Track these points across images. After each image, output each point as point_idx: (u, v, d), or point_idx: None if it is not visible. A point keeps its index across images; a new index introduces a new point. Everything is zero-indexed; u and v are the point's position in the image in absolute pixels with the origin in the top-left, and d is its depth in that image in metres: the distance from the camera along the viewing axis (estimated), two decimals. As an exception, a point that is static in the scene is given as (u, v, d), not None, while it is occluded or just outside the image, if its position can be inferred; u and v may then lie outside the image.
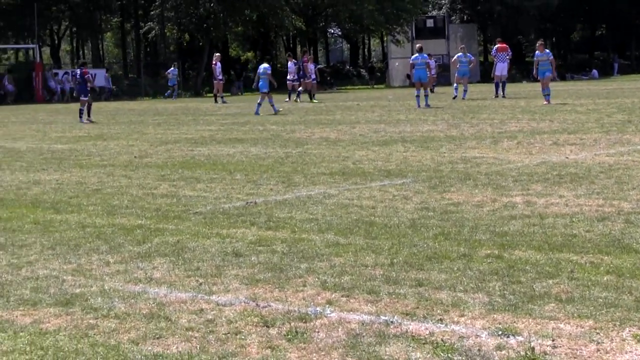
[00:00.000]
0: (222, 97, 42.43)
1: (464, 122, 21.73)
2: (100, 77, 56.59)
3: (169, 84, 51.75)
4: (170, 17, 61.33)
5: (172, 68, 51.50)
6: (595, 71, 73.94)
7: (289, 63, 42.11)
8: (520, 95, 36.65)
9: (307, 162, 14.10)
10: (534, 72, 32.18)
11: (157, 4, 61.52)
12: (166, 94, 51.49)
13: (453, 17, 75.50)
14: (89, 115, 29.23)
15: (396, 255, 7.22)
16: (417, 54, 32.46)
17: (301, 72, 40.45)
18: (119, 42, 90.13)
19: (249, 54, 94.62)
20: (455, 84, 36.92)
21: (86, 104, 29.35)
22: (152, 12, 62.66)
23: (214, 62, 43.60)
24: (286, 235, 8.22)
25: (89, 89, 29.90)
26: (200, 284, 6.63)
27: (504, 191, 10.22)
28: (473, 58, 29.61)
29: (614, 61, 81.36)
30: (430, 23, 70.94)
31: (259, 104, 29.72)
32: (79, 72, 30.59)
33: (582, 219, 8.36)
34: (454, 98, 34.93)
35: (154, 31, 63.00)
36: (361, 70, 79.05)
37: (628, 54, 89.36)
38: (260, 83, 30.54)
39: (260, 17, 62.04)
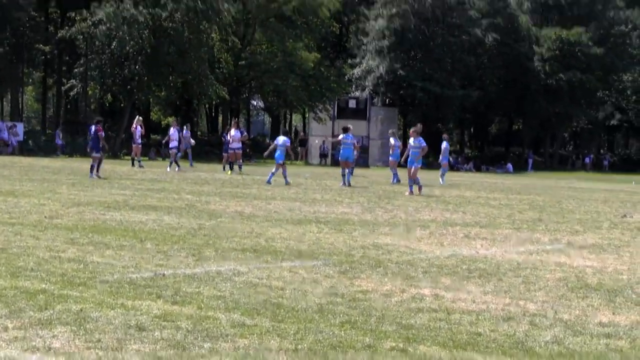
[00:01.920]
0: (139, 161, 42.16)
1: (378, 207, 21.89)
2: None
3: (184, 147, 43.98)
4: (94, 76, 61.04)
5: (185, 130, 44.60)
6: (510, 165, 75.51)
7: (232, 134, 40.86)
8: (436, 184, 37.04)
9: (219, 236, 14.01)
10: (402, 159, 31.29)
11: (81, 62, 61.26)
12: (190, 164, 45.10)
13: (375, 100, 76.56)
14: (97, 171, 30.16)
15: (301, 341, 7.18)
16: (345, 134, 32.68)
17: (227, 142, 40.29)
18: (39, 96, 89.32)
19: (170, 119, 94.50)
20: (392, 169, 36.96)
21: (97, 160, 30.45)
22: (76, 70, 62.32)
23: (134, 126, 43.42)
24: (192, 311, 8.12)
25: (101, 146, 31.04)
26: (100, 357, 6.50)
27: (413, 282, 10.27)
28: (424, 145, 28.49)
29: (529, 157, 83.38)
30: (352, 104, 71.89)
31: (273, 174, 30.78)
32: (93, 128, 31.48)
33: (488, 317, 8.42)
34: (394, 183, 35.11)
35: (76, 89, 62.55)
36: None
37: (542, 151, 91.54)
38: (277, 154, 31.44)
39: (185, 84, 62.16)
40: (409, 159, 28.86)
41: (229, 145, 40.14)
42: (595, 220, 20.92)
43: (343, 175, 31.97)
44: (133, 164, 41.78)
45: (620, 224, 20.08)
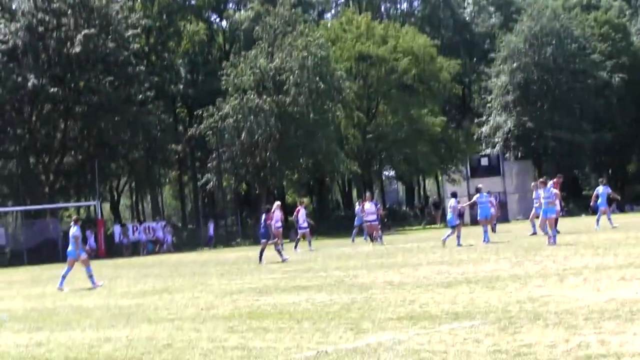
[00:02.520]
0: (281, 245, 42.35)
1: (527, 260, 21.62)
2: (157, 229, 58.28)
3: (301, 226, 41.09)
4: (227, 167, 62.39)
5: (303, 210, 41.72)
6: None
7: (364, 205, 41.24)
8: (581, 230, 36.32)
9: (373, 308, 14.08)
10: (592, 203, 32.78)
11: (213, 156, 62.74)
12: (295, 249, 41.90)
13: (507, 155, 75.95)
14: (260, 259, 31.19)
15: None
16: (478, 194, 33.58)
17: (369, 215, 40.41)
18: (177, 194, 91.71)
19: (305, 200, 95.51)
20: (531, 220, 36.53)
21: (266, 245, 31.58)
22: (209, 164, 63.85)
23: (272, 210, 43.57)
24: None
25: (269, 233, 32.09)
26: None
27: (575, 330, 10.12)
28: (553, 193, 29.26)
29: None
30: (484, 161, 71.55)
31: (448, 236, 32.19)
32: (263, 217, 32.50)
33: (659, 356, 8.24)
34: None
35: (211, 182, 64.02)
36: (417, 210, 79.57)
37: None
38: (448, 217, 33.47)
39: (316, 163, 62.91)
40: (542, 210, 29.25)
41: (366, 218, 40.34)
42: None
43: (485, 232, 32.28)
44: (276, 249, 41.75)
45: None
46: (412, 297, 15.29)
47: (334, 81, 60.59)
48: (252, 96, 58.98)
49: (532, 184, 39.48)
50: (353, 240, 42.56)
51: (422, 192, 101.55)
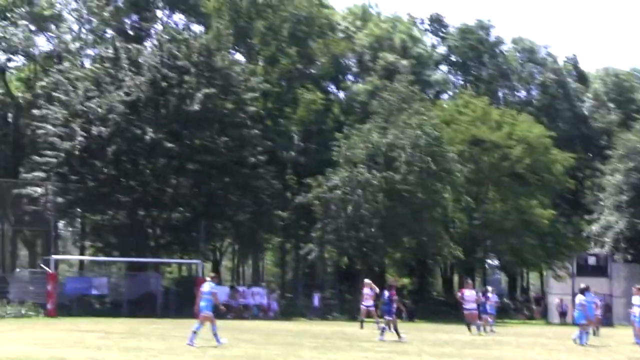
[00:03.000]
0: (362, 322, 41.35)
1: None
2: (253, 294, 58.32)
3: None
4: (331, 239, 62.26)
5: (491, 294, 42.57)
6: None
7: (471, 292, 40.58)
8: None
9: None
10: None
11: (318, 226, 62.70)
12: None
13: (616, 256, 74.19)
14: (397, 333, 31.52)
15: None
16: (585, 293, 32.07)
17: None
18: (278, 261, 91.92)
19: (406, 280, 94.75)
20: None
21: (390, 323, 32.11)
22: (313, 234, 63.78)
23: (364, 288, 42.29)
24: None
25: (394, 309, 32.64)
26: None
27: None
28: None
29: None
30: (592, 260, 70.11)
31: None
32: (387, 293, 33.08)
33: None
34: None
35: (313, 253, 63.87)
36: (518, 303, 78.12)
37: None
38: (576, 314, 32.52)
39: (419, 244, 62.34)
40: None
41: (464, 306, 39.49)
42: None
43: (584, 332, 31.24)
44: (362, 326, 41.05)
45: None
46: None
47: (445, 162, 60.31)
48: (362, 170, 59.02)
49: (633, 288, 37.25)
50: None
51: (525, 285, 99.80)
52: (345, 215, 59.57)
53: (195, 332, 25.14)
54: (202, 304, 26.11)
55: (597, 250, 74.90)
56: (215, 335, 25.52)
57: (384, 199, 58.81)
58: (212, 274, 28.76)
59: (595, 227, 76.60)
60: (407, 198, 59.81)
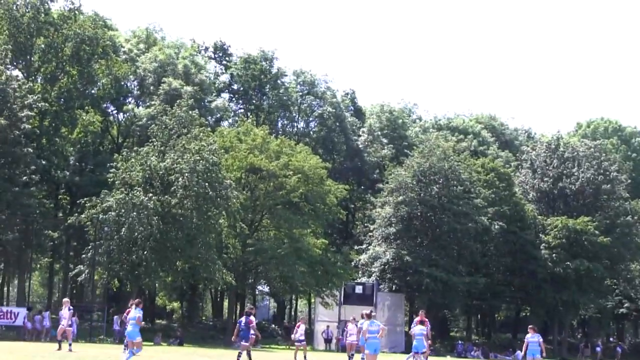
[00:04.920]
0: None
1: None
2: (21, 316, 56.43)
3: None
4: (102, 261, 61.26)
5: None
6: (518, 352, 74.88)
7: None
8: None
9: None
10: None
11: (89, 247, 61.58)
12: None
13: (382, 286, 76.54)
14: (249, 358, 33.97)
15: None
16: (368, 320, 29.75)
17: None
18: (44, 281, 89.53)
19: (175, 304, 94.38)
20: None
21: (244, 349, 33.75)
22: (84, 256, 62.57)
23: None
24: None
25: (252, 335, 34.47)
26: None
27: None
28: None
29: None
30: (359, 289, 72.22)
31: None
32: (244, 320, 34.28)
33: None
34: None
35: (83, 274, 62.57)
36: (287, 329, 79.13)
37: (550, 339, 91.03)
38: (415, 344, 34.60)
39: (192, 269, 62.26)
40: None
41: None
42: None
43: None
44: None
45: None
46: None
47: (221, 189, 60.53)
48: (138, 193, 58.40)
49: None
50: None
51: (293, 312, 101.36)
52: (119, 237, 58.77)
53: None
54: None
55: (364, 279, 77.05)
56: None
57: (159, 222, 58.41)
58: (137, 300, 29.65)
59: (363, 257, 78.83)
60: (182, 222, 59.69)
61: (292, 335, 43.56)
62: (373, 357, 27.14)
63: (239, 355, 33.19)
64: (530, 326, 37.53)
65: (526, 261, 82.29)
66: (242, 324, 34.08)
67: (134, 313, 30.93)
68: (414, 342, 34.99)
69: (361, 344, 33.03)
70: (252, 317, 34.45)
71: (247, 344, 33.54)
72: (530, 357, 35.04)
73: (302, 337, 42.43)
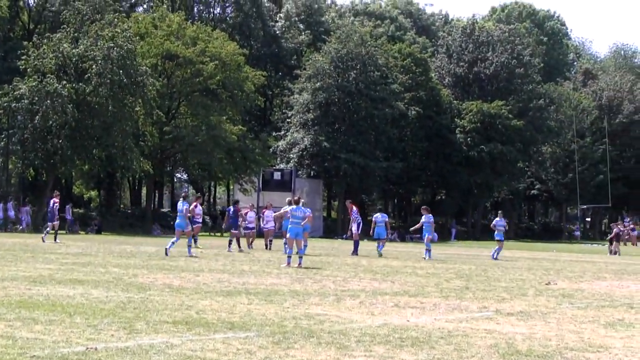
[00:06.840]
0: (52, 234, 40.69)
1: (307, 277, 21.92)
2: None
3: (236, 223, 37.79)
4: (16, 150, 60.36)
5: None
6: (435, 234, 76.11)
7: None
8: (362, 253, 37.24)
9: (149, 309, 13.86)
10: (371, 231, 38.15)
11: (2, 136, 60.55)
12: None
13: (300, 172, 76.87)
14: (239, 246, 36.47)
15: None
16: (295, 206, 28.37)
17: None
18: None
19: (93, 193, 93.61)
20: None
21: (235, 237, 36.45)
22: (-3, 145, 61.61)
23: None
24: (127, 385, 8.04)
25: (239, 223, 37.01)
26: None
27: (346, 351, 10.29)
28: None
29: (452, 227, 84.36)
30: (277, 176, 72.45)
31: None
32: (232, 208, 37.28)
33: (422, 383, 8.48)
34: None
35: (-3, 164, 61.75)
36: (206, 217, 79.27)
37: (465, 221, 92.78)
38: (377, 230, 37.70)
39: (109, 157, 61.77)
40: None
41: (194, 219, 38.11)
42: (520, 287, 21.21)
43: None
44: (55, 239, 40.49)
45: (545, 291, 20.40)
46: (190, 302, 15.18)
47: (137, 76, 59.71)
48: (51, 80, 57.30)
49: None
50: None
51: (212, 199, 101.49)
52: (33, 126, 57.84)
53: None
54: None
55: (282, 165, 77.32)
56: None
57: (74, 110, 57.55)
58: (185, 192, 32.06)
59: (282, 144, 78.95)
60: (97, 110, 58.98)
61: (241, 223, 41.70)
62: (291, 242, 27.35)
63: (229, 243, 36.20)
64: (423, 207, 42.28)
65: (442, 145, 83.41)
66: (231, 212, 37.07)
67: (180, 205, 31.76)
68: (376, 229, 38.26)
69: (284, 229, 33.10)
70: (238, 206, 37.96)
71: (236, 231, 36.19)
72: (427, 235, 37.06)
73: (252, 225, 41.46)
